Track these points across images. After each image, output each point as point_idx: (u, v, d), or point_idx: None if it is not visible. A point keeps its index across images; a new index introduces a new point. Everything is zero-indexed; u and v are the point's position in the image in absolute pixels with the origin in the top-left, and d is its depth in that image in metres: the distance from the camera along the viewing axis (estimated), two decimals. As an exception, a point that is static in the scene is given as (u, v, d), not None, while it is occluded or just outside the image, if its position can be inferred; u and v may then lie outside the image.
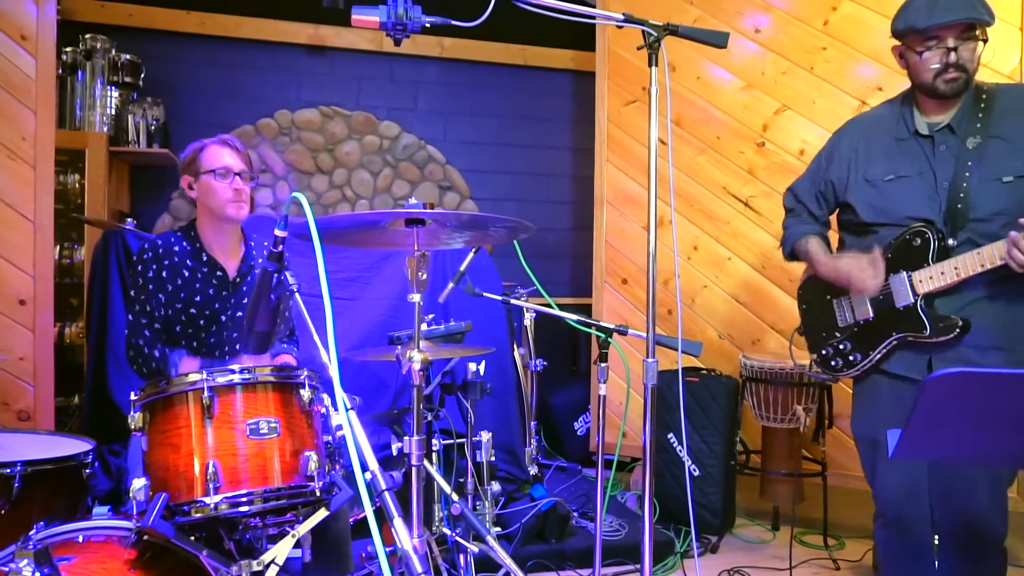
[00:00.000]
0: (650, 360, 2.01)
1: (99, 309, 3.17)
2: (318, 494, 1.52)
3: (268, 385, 1.55)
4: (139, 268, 2.23)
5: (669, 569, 2.97)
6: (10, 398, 2.95)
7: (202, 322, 2.23)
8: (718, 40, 2.05)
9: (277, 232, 1.46)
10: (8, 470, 1.66)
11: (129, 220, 3.73)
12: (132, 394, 1.56)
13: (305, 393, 1.57)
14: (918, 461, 2.07)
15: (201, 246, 2.28)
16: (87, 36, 4.01)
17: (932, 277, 1.93)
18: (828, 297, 2.25)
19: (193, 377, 1.53)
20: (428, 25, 1.85)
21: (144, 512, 1.42)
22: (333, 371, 1.21)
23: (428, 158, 4.94)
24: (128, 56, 4.08)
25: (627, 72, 3.97)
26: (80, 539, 1.48)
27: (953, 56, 1.89)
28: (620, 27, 2.03)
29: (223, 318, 2.26)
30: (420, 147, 4.92)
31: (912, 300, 1.98)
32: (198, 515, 1.42)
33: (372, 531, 1.09)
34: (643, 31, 2.01)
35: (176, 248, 2.25)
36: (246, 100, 4.62)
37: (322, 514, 1.53)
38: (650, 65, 2.04)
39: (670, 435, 3.42)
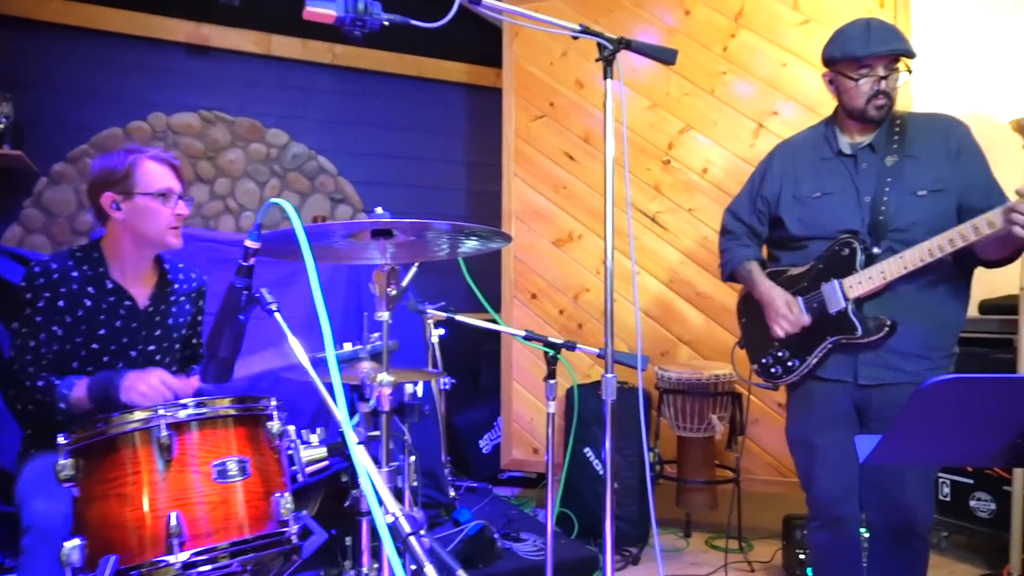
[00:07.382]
0: (609, 375, 2.00)
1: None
2: (294, 541, 1.33)
3: (229, 419, 1.34)
4: (28, 296, 1.87)
5: (596, 585, 2.96)
6: None
7: (107, 358, 1.94)
8: (667, 56, 2.09)
9: (248, 243, 1.26)
10: None
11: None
12: (60, 438, 1.29)
13: (273, 425, 1.38)
14: (852, 464, 2.19)
15: (105, 271, 1.97)
16: (-77, 18, 3.49)
17: (861, 282, 2.07)
18: None
19: (142, 414, 1.30)
20: (386, 24, 1.74)
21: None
22: (338, 407, 1.06)
23: (319, 169, 4.70)
24: (-28, 44, 3.60)
25: (534, 87, 3.97)
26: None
27: (883, 84, 2.07)
28: (576, 38, 2.03)
29: (133, 353, 1.98)
30: (310, 157, 4.67)
31: (844, 305, 2.10)
32: (158, 578, 1.19)
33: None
34: (599, 43, 2.02)
35: (75, 274, 1.92)
36: (115, 100, 4.18)
37: (295, 562, 1.36)
38: (606, 77, 2.05)
39: (586, 449, 3.43)
